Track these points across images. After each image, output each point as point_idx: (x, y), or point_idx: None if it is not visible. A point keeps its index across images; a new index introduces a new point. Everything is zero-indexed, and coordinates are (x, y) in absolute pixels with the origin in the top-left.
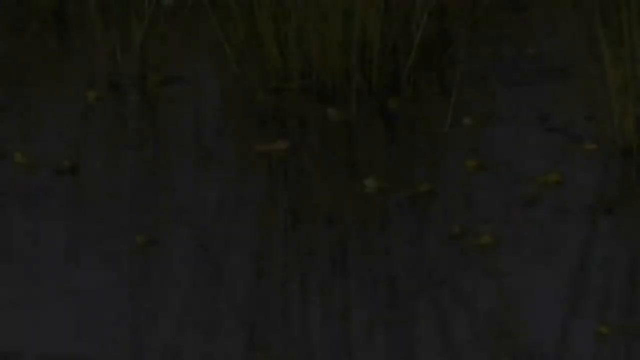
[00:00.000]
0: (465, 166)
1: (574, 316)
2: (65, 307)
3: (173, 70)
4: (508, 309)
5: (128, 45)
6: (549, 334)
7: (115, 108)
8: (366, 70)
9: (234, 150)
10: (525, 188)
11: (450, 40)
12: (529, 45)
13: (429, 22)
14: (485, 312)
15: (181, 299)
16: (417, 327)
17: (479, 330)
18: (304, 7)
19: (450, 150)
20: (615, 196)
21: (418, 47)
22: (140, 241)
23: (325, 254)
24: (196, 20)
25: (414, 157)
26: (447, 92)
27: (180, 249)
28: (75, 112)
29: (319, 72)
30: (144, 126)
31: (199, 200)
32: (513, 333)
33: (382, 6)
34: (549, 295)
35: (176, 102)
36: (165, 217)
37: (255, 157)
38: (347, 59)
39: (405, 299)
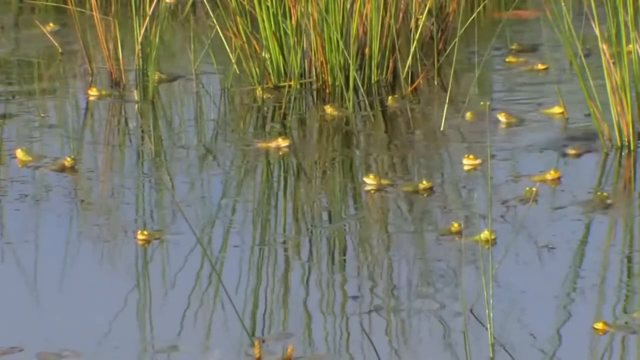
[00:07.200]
0: (463, 164)
1: (570, 313)
2: (65, 306)
3: (173, 70)
4: (505, 305)
5: (128, 45)
6: (545, 330)
7: (115, 108)
8: (366, 70)
9: (234, 150)
10: (522, 186)
11: (449, 40)
12: (528, 44)
13: (428, 22)
14: (482, 308)
15: (181, 299)
16: (416, 323)
17: (476, 326)
18: (304, 6)
19: (449, 149)
20: (612, 194)
21: (417, 47)
22: (140, 240)
23: (325, 254)
24: (196, 20)
25: (413, 156)
26: (446, 91)
27: (181, 248)
28: (75, 112)
29: (319, 72)
30: (144, 126)
31: (199, 200)
32: (510, 329)
33: (381, 6)
34: (546, 291)
35: (176, 102)
36: (166, 216)
37: (255, 157)
38: (347, 59)
39: (404, 296)
